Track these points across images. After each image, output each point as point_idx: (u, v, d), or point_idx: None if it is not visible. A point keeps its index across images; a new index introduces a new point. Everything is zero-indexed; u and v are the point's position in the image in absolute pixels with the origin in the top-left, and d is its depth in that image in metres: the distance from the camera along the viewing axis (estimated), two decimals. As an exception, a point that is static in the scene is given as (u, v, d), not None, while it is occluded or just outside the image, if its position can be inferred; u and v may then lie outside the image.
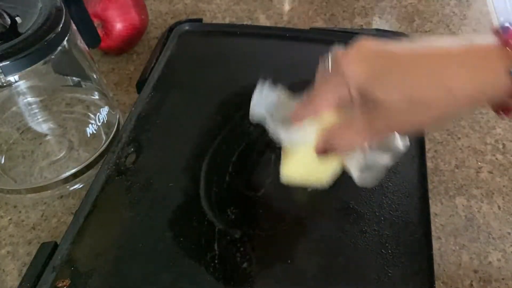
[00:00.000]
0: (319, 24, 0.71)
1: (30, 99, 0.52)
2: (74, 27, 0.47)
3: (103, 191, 0.44)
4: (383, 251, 0.39)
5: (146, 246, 0.40)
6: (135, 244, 0.40)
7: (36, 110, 0.53)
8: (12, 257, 0.45)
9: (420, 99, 0.31)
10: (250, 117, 0.40)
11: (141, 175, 0.45)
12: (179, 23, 0.63)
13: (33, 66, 0.42)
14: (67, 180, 0.49)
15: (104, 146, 0.51)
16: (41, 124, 0.54)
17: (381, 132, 0.35)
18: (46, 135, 0.54)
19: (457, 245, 0.44)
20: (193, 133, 0.49)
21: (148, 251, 0.40)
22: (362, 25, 0.70)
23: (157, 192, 0.44)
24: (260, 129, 0.49)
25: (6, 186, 0.49)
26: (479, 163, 0.51)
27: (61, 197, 0.49)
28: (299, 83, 0.54)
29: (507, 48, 0.29)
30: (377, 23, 0.71)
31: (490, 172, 0.50)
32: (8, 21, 0.42)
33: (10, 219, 0.48)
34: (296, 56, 0.58)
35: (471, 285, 0.42)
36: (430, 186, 0.45)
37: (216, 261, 0.38)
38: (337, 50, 0.35)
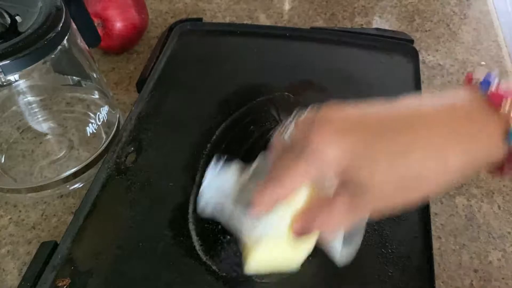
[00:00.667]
0: (319, 23, 0.71)
1: (30, 98, 0.52)
2: (74, 26, 0.47)
3: (103, 190, 0.44)
4: (383, 250, 0.39)
5: (146, 246, 0.40)
6: (135, 244, 0.40)
7: (36, 110, 0.53)
8: (12, 256, 0.45)
9: (413, 176, 0.27)
10: (198, 210, 0.34)
11: (141, 175, 0.45)
12: (179, 22, 0.63)
13: (33, 65, 0.42)
14: (67, 179, 0.49)
15: (104, 145, 0.50)
16: (41, 124, 0.54)
17: (367, 213, 0.30)
18: (46, 134, 0.54)
19: (457, 245, 0.44)
20: (193, 133, 0.49)
21: (148, 250, 0.40)
22: (362, 25, 0.70)
23: (157, 192, 0.44)
24: (261, 128, 0.49)
25: (6, 185, 0.49)
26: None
27: (61, 196, 0.49)
28: (299, 82, 0.55)
29: (499, 110, 0.26)
30: (377, 23, 0.71)
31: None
32: (8, 20, 0.42)
33: (10, 218, 0.48)
34: (296, 56, 0.58)
35: (471, 284, 0.42)
36: (430, 186, 0.45)
37: (216, 260, 0.38)
38: (301, 119, 0.30)
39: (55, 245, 0.40)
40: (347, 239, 0.33)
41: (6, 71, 0.40)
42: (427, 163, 0.27)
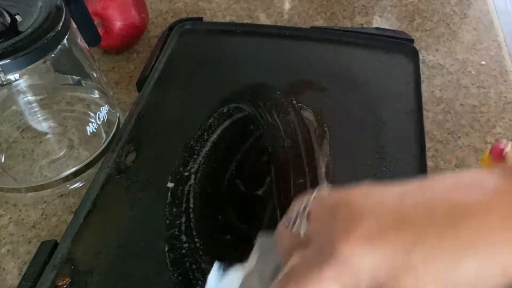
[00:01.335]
0: (320, 23, 0.71)
1: (30, 97, 0.52)
2: (74, 25, 0.47)
3: (103, 190, 0.44)
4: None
5: (146, 245, 0.40)
6: (135, 243, 0.40)
7: (36, 109, 0.53)
8: (12, 255, 0.45)
9: (468, 285, 0.21)
10: None
11: (141, 174, 0.45)
12: (179, 21, 0.63)
13: (33, 65, 0.42)
14: (67, 178, 0.49)
15: (104, 144, 0.50)
16: (41, 123, 0.54)
17: None
18: (46, 133, 0.54)
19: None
20: (193, 132, 0.49)
21: (148, 250, 0.40)
22: (362, 24, 0.70)
23: (157, 191, 0.44)
24: (261, 128, 0.49)
25: (6, 184, 0.49)
26: (480, 162, 0.51)
27: (61, 195, 0.49)
28: (299, 82, 0.54)
29: None
30: (378, 22, 0.71)
31: (490, 171, 0.50)
32: (8, 19, 0.42)
33: (10, 217, 0.48)
34: (296, 55, 0.58)
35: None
36: (430, 185, 0.45)
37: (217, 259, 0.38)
38: (317, 208, 0.25)
39: (55, 245, 0.40)
40: None
41: (6, 70, 0.40)
42: (483, 271, 0.21)
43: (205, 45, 0.60)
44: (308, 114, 0.50)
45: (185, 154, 0.47)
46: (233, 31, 0.62)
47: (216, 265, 0.31)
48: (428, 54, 0.64)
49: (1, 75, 0.42)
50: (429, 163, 0.50)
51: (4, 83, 0.45)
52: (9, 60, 0.40)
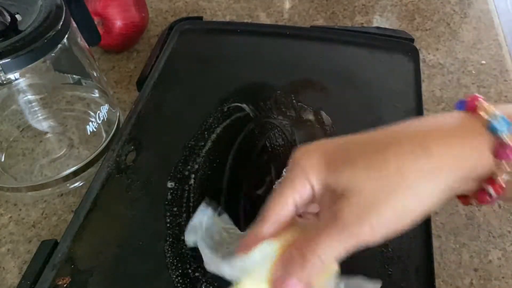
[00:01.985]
0: (320, 22, 0.71)
1: (30, 97, 0.52)
2: (74, 24, 0.47)
3: (103, 189, 0.44)
4: (383, 249, 0.39)
5: (146, 244, 0.40)
6: (135, 242, 0.40)
7: (36, 108, 0.53)
8: (12, 255, 0.45)
9: (393, 172, 0.26)
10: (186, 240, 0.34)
11: (141, 173, 0.45)
12: (180, 21, 0.63)
13: (33, 64, 0.42)
14: (67, 178, 0.49)
15: (104, 144, 0.50)
16: (41, 122, 0.54)
17: (360, 232, 0.27)
18: (46, 133, 0.54)
19: (458, 244, 0.44)
20: (193, 131, 0.49)
21: (148, 249, 0.40)
22: (362, 23, 0.70)
23: (157, 190, 0.44)
24: (261, 127, 0.49)
25: (6, 184, 0.49)
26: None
27: (61, 195, 0.49)
28: (299, 81, 0.54)
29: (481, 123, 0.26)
30: (378, 21, 0.71)
31: (491, 171, 0.50)
32: (8, 18, 0.42)
33: (10, 217, 0.48)
34: (296, 54, 0.58)
35: (471, 283, 0.42)
36: (430, 185, 0.45)
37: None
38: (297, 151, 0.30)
39: (55, 244, 0.40)
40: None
41: (6, 69, 0.40)
42: (406, 157, 0.26)
43: (205, 44, 0.60)
44: (308, 113, 0.50)
45: (185, 153, 0.47)
46: (233, 30, 0.62)
47: (203, 205, 0.34)
48: (429, 54, 0.64)
49: (1, 74, 0.42)
50: (429, 162, 0.50)
51: (4, 82, 0.45)
52: (9, 59, 0.40)
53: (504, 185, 0.27)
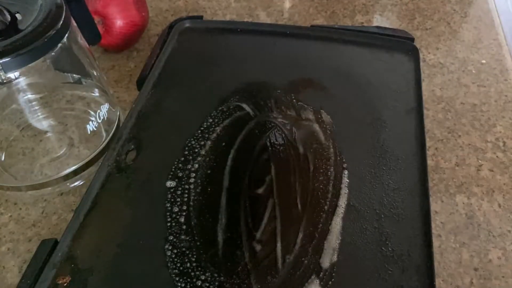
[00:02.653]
0: (320, 21, 0.71)
1: (30, 96, 0.52)
2: (74, 24, 0.47)
3: (103, 188, 0.44)
4: (383, 248, 0.39)
5: (146, 243, 0.40)
6: (135, 241, 0.40)
7: (37, 107, 0.53)
8: (12, 254, 0.45)
9: None
10: None
11: (141, 172, 0.45)
12: (180, 20, 0.63)
13: (33, 63, 0.41)
14: (67, 177, 0.49)
15: (105, 143, 0.50)
16: (42, 121, 0.54)
17: None
18: (46, 132, 0.54)
19: (457, 243, 0.44)
20: (193, 130, 0.49)
21: (148, 248, 0.40)
22: (362, 23, 0.70)
23: (157, 189, 0.44)
24: (261, 127, 0.49)
25: (6, 183, 0.49)
26: (480, 161, 0.51)
27: (62, 194, 0.49)
28: (299, 80, 0.54)
29: None
30: (378, 21, 0.71)
31: (491, 170, 0.50)
32: (8, 17, 0.42)
33: (10, 216, 0.48)
34: (297, 54, 0.58)
35: (471, 283, 0.42)
36: (430, 184, 0.45)
37: (218, 257, 0.38)
38: None
39: (56, 243, 0.40)
40: None
41: (6, 68, 0.40)
42: None
43: (205, 43, 0.60)
44: (308, 113, 0.50)
45: (185, 152, 0.47)
46: (233, 29, 0.62)
47: None
48: (429, 53, 0.64)
49: (1, 74, 0.41)
50: (429, 161, 0.50)
51: (4, 81, 0.45)
52: (9, 59, 0.40)
53: None
